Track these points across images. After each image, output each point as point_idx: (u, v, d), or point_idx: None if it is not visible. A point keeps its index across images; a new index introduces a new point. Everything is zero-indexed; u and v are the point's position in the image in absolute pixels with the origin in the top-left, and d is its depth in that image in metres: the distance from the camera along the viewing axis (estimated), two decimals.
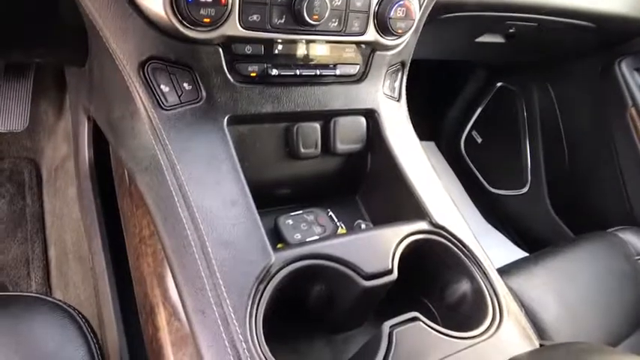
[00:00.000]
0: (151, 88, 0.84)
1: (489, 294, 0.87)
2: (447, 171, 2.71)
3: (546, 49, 2.03)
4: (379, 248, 0.81)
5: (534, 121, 2.38)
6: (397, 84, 1.09)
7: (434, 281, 0.93)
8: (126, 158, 0.89)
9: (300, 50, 0.91)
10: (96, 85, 1.04)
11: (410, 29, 0.97)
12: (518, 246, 2.29)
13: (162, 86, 0.85)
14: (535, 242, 2.24)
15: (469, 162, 2.60)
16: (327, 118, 0.98)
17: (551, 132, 2.18)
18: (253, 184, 0.84)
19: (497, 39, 1.73)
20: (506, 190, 2.45)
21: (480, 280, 0.87)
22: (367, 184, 1.07)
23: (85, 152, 1.42)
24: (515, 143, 2.40)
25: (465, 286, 0.89)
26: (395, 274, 0.79)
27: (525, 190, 2.36)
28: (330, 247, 0.79)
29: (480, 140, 2.58)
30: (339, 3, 0.89)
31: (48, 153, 2.01)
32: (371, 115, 1.02)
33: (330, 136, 0.98)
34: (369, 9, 0.93)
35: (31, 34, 1.10)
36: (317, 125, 0.97)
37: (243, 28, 0.83)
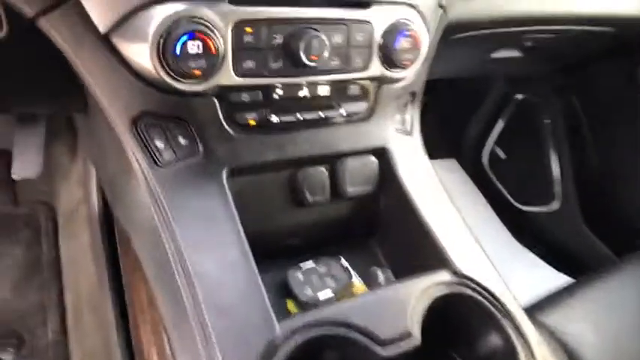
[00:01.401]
0: (145, 146, 0.79)
1: (522, 348, 0.78)
2: (471, 189, 2.61)
3: (566, 58, 1.94)
4: (396, 308, 0.74)
5: (560, 133, 2.27)
6: (408, 116, 1.02)
7: (461, 333, 0.85)
8: (122, 217, 0.84)
9: (301, 93, 0.86)
10: (94, 137, 1.00)
11: (418, 60, 0.90)
12: (553, 266, 2.17)
13: (156, 142, 0.80)
14: (570, 261, 2.12)
15: (494, 178, 2.50)
16: (334, 160, 0.92)
17: (578, 143, 2.07)
18: (258, 235, 0.78)
19: (514, 53, 1.65)
20: (536, 207, 2.33)
21: (512, 334, 0.79)
22: (382, 227, 1.00)
23: (94, 199, 1.38)
24: (542, 157, 2.29)
25: (495, 340, 0.81)
26: (417, 338, 0.72)
27: (556, 206, 2.25)
28: (340, 311, 0.72)
29: (503, 156, 2.48)
30: (339, 40, 0.83)
31: (63, 196, 1.99)
32: (382, 154, 0.95)
33: (339, 180, 0.92)
34: (372, 42, 0.87)
35: (31, 88, 1.07)
36: (324, 169, 0.91)
37: (238, 76, 0.78)
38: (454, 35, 1.26)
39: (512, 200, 2.45)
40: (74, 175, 1.92)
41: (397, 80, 0.93)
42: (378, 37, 0.87)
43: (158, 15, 0.71)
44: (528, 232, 2.36)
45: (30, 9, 0.74)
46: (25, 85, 1.05)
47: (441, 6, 1.03)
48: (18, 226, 1.97)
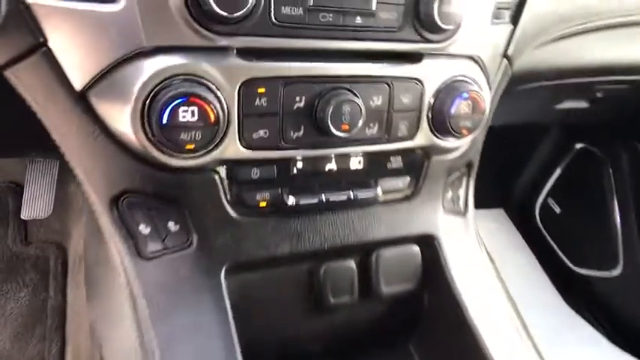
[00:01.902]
0: (127, 231, 0.62)
1: None
2: (519, 244, 2.38)
3: (636, 108, 1.73)
4: None
5: (624, 188, 2.05)
6: (462, 192, 0.82)
7: None
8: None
9: (328, 166, 0.67)
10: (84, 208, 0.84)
11: (479, 127, 0.71)
12: (613, 341, 1.91)
13: (140, 227, 0.63)
14: (635, 336, 1.86)
15: (546, 234, 2.27)
16: (366, 252, 0.73)
17: None
18: (268, 343, 0.59)
19: (581, 104, 1.44)
20: (594, 271, 2.10)
21: None
22: (423, 329, 0.79)
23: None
24: (603, 214, 2.06)
25: None
26: None
27: (618, 270, 2.01)
28: None
29: (558, 210, 2.25)
30: (378, 102, 0.65)
31: (75, 236, 1.89)
32: (427, 243, 0.76)
33: (372, 276, 0.73)
34: (421, 106, 0.68)
35: (23, 137, 0.93)
36: (352, 263, 0.72)
37: (247, 149, 0.60)
38: (517, 87, 1.06)
39: (566, 260, 2.22)
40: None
41: (450, 150, 0.74)
42: (428, 99, 0.69)
43: (145, 71, 0.55)
44: (584, 300, 2.12)
45: None
46: (14, 132, 0.91)
47: (505, 56, 0.84)
48: (26, 267, 1.87)
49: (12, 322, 1.76)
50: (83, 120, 0.60)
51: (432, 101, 0.69)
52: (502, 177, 2.50)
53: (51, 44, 0.58)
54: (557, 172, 2.27)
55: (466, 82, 0.70)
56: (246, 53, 0.59)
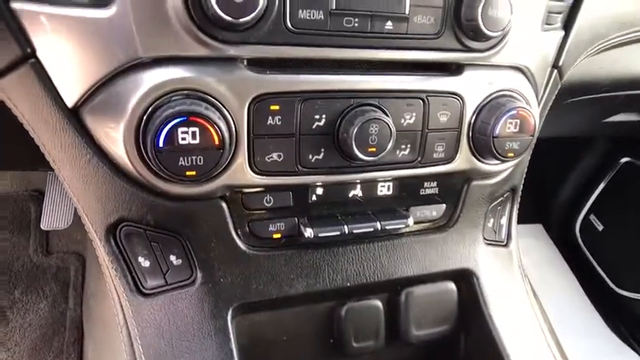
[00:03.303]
0: (125, 262, 0.55)
1: None
2: (558, 262, 2.26)
3: None
4: None
5: None
6: (505, 220, 0.73)
7: None
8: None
9: (352, 193, 0.59)
10: None
11: (527, 149, 0.61)
12: None
13: (139, 259, 0.56)
14: None
15: (587, 253, 2.15)
16: (394, 289, 0.64)
17: None
18: None
19: (632, 117, 1.33)
20: (639, 294, 1.99)
21: None
22: None
23: None
24: None
25: None
26: None
27: None
28: None
29: (600, 227, 2.13)
30: (411, 121, 0.56)
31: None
32: (464, 279, 0.66)
33: (401, 318, 0.64)
34: (461, 125, 0.59)
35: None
36: (378, 303, 0.63)
37: (259, 174, 0.52)
38: (566, 100, 0.96)
39: (609, 282, 2.10)
40: None
41: (493, 175, 0.64)
42: (469, 116, 0.59)
43: (141, 85, 0.47)
44: (628, 325, 2.01)
45: None
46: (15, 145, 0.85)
47: (555, 67, 0.74)
48: (47, 278, 1.86)
49: (31, 334, 1.75)
50: (76, 140, 0.53)
51: (473, 119, 0.60)
52: (541, 190, 2.40)
53: (40, 55, 0.51)
54: (601, 187, 2.16)
55: (513, 97, 0.61)
56: (257, 64, 0.51)
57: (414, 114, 0.57)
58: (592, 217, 2.18)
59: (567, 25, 0.74)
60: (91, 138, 0.53)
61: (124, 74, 0.49)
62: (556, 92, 0.80)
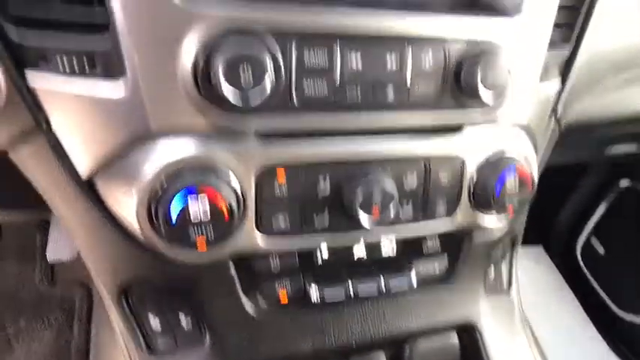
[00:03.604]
0: (135, 321, 0.57)
1: None
2: (559, 285, 2.26)
3: None
4: None
5: None
6: (506, 267, 0.74)
7: None
8: None
9: (357, 253, 0.60)
10: None
11: (527, 203, 0.63)
12: None
13: (150, 321, 0.57)
14: None
15: (589, 276, 2.15)
16: (398, 343, 0.65)
17: None
18: None
19: (632, 148, 1.35)
20: None
21: None
22: None
23: None
24: None
25: None
26: None
27: None
28: None
29: (602, 250, 2.13)
30: (413, 183, 0.58)
31: None
32: (467, 332, 0.67)
33: None
34: (462, 184, 0.60)
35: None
36: (382, 357, 0.64)
37: (265, 237, 0.54)
38: (565, 139, 0.98)
39: (611, 305, 2.09)
40: None
41: (494, 227, 0.66)
42: (470, 175, 0.61)
43: (152, 159, 0.49)
44: (633, 348, 1.99)
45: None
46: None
47: (554, 116, 0.76)
48: (52, 307, 1.86)
49: None
50: (89, 207, 0.55)
51: (474, 177, 0.62)
52: (541, 212, 2.39)
53: (54, 127, 0.53)
54: (601, 210, 2.16)
55: (512, 155, 0.62)
56: (264, 135, 0.53)
57: (415, 176, 0.59)
58: (593, 239, 2.18)
59: (564, 74, 0.76)
60: (105, 206, 0.54)
61: (136, 147, 0.51)
62: (555, 138, 0.82)
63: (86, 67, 0.49)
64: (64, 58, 0.49)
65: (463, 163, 0.61)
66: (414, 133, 0.59)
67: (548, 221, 2.37)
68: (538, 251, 2.39)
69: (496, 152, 0.62)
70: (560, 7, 0.65)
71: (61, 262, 1.84)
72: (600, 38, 0.79)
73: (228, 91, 0.46)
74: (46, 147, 0.54)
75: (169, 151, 0.50)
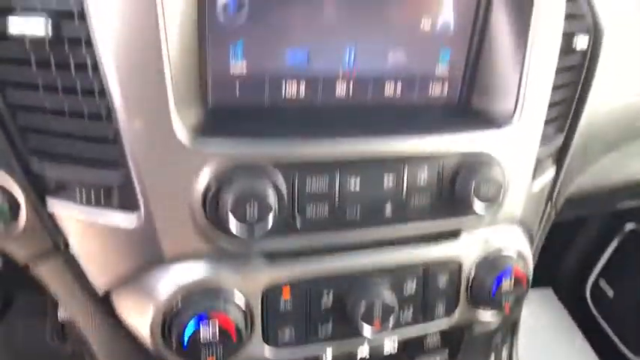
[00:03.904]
0: None
1: None
2: (569, 326, 2.24)
3: None
4: None
5: None
6: (505, 353, 0.76)
7: None
8: None
9: (360, 353, 0.63)
10: None
11: (523, 299, 0.65)
12: None
13: None
14: None
15: (600, 318, 2.13)
16: None
17: None
18: None
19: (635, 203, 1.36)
20: None
21: None
22: None
23: None
24: None
25: None
26: None
27: None
28: None
29: (611, 292, 2.11)
30: (412, 289, 0.61)
31: None
32: None
33: None
34: (459, 284, 0.63)
35: None
36: None
37: (272, 349, 0.57)
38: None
39: (622, 348, 2.07)
40: None
41: (492, 322, 0.68)
42: (467, 275, 0.64)
43: (164, 283, 0.53)
44: None
45: (20, 256, 0.59)
46: None
47: (549, 202, 0.78)
48: None
49: None
50: (104, 320, 0.58)
51: (471, 277, 0.65)
52: (549, 254, 2.38)
53: (72, 248, 0.57)
54: (608, 252, 2.15)
55: (508, 254, 0.65)
56: (269, 256, 0.56)
57: (415, 282, 0.62)
58: (602, 282, 2.17)
59: (559, 161, 0.78)
60: (118, 319, 0.57)
61: (150, 270, 0.54)
62: (552, 219, 0.84)
63: (102, 199, 0.53)
64: (82, 190, 0.53)
65: (460, 264, 0.63)
66: (412, 241, 0.62)
67: (556, 263, 2.36)
68: (547, 294, 2.37)
69: (492, 251, 0.65)
70: (551, 104, 0.68)
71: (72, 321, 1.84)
72: (593, 120, 0.82)
73: (234, 224, 0.49)
74: (64, 265, 0.57)
75: (181, 275, 0.53)
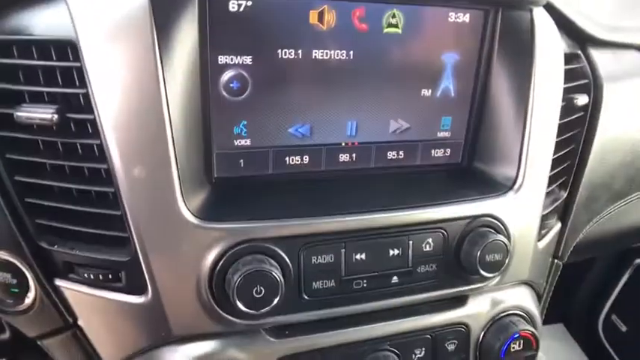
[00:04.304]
0: None
1: None
2: None
3: None
4: None
5: None
6: None
7: None
8: None
9: None
10: None
11: (534, 357, 0.65)
12: None
13: None
14: None
15: (614, 354, 2.09)
16: None
17: None
18: None
19: None
20: None
21: None
22: None
23: None
24: None
25: None
26: None
27: None
28: None
29: (624, 328, 2.08)
30: (420, 356, 0.61)
31: None
32: None
33: None
34: (468, 348, 0.63)
35: None
36: None
37: None
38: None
39: None
40: None
41: None
42: (475, 338, 0.64)
43: (177, 355, 0.53)
44: None
45: (29, 332, 0.60)
46: None
47: (555, 257, 0.78)
48: None
49: None
50: None
51: (479, 340, 0.64)
52: (560, 290, 2.35)
53: (81, 323, 0.57)
54: (619, 287, 2.12)
55: (516, 316, 0.65)
56: (276, 330, 0.56)
57: (423, 349, 0.61)
58: (614, 317, 2.14)
59: (564, 216, 0.78)
60: None
61: (157, 348, 0.54)
62: (559, 270, 0.84)
63: (110, 280, 0.54)
64: (90, 271, 0.54)
65: (469, 328, 0.63)
66: (420, 309, 0.62)
67: (567, 299, 2.33)
68: (559, 329, 2.34)
69: (499, 314, 0.65)
70: (554, 162, 0.68)
71: None
72: (597, 173, 0.82)
73: (240, 304, 0.49)
74: (73, 340, 0.58)
75: (189, 352, 0.53)
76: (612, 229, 0.99)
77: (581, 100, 0.70)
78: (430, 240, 0.58)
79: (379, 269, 0.57)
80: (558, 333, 2.33)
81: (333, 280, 0.55)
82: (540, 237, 0.70)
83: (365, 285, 0.57)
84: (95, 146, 0.51)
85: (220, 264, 0.51)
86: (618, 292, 2.11)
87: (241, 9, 0.51)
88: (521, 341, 0.64)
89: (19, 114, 0.49)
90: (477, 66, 0.63)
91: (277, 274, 0.50)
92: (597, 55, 0.79)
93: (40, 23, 0.51)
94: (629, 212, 0.97)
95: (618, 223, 0.99)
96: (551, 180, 0.70)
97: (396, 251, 0.57)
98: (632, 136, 0.83)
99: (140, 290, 0.53)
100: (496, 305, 0.65)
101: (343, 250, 0.55)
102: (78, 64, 0.49)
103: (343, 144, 0.61)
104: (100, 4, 0.48)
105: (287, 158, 0.59)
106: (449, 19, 0.59)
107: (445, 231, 0.59)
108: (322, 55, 0.56)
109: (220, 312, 0.52)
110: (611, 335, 2.14)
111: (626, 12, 0.91)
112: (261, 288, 0.49)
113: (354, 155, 0.62)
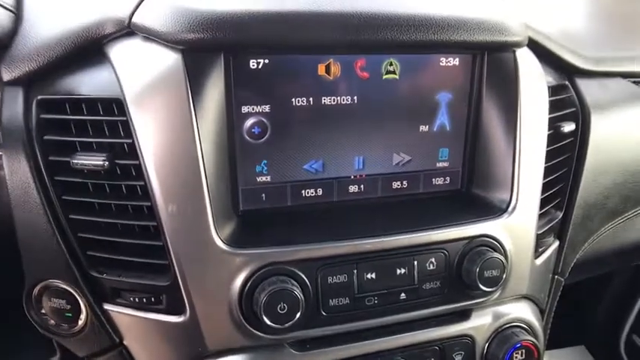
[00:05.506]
0: None
1: None
2: None
3: None
4: None
5: None
6: None
7: None
8: None
9: None
10: None
11: None
12: None
13: None
14: None
15: None
16: None
17: None
18: None
19: None
20: None
21: None
22: None
23: None
24: None
25: None
26: None
27: None
28: None
29: None
30: None
31: None
32: None
33: None
34: (474, 357, 0.69)
35: None
36: None
37: None
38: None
39: None
40: None
41: None
42: (480, 350, 0.70)
43: None
44: None
45: (80, 352, 0.68)
46: None
47: (555, 273, 0.84)
48: None
49: None
50: None
51: (484, 351, 0.70)
52: (580, 311, 2.34)
53: (127, 342, 0.65)
54: (638, 305, 2.11)
55: (519, 328, 0.71)
56: (298, 344, 0.63)
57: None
58: (635, 337, 2.12)
59: (561, 234, 0.84)
60: None
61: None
62: (562, 285, 0.89)
63: (152, 303, 0.62)
64: (135, 295, 0.62)
65: (473, 340, 0.69)
66: (428, 323, 0.68)
67: (587, 321, 2.31)
68: (581, 351, 2.32)
69: (502, 326, 0.71)
70: (547, 184, 0.75)
71: None
72: (591, 193, 0.88)
73: (267, 320, 0.57)
74: (120, 358, 0.65)
75: None
76: (611, 246, 1.04)
77: (568, 127, 0.77)
78: (433, 259, 0.66)
79: (388, 287, 0.64)
80: (581, 355, 2.31)
81: (347, 298, 0.63)
82: (538, 254, 0.77)
83: (376, 301, 0.64)
84: (139, 187, 0.60)
85: (248, 285, 0.58)
86: (638, 311, 2.09)
87: (260, 66, 0.61)
88: (523, 350, 0.69)
89: (75, 161, 0.58)
90: (468, 102, 0.71)
91: (298, 292, 0.58)
92: (584, 84, 0.86)
93: (88, 83, 0.61)
94: (627, 230, 1.02)
95: (617, 240, 1.04)
96: (546, 201, 0.76)
97: (403, 270, 0.64)
98: (622, 158, 0.89)
99: (179, 311, 0.61)
100: (498, 318, 0.71)
101: (355, 271, 0.62)
102: (124, 118, 0.58)
103: (352, 177, 0.69)
104: (141, 67, 0.58)
105: (303, 191, 0.68)
106: (440, 63, 0.68)
107: (447, 251, 0.66)
108: (330, 101, 0.64)
109: (249, 327, 0.60)
110: (633, 356, 2.12)
111: (609, 44, 0.99)
112: (285, 305, 0.57)
113: (362, 186, 0.70)
